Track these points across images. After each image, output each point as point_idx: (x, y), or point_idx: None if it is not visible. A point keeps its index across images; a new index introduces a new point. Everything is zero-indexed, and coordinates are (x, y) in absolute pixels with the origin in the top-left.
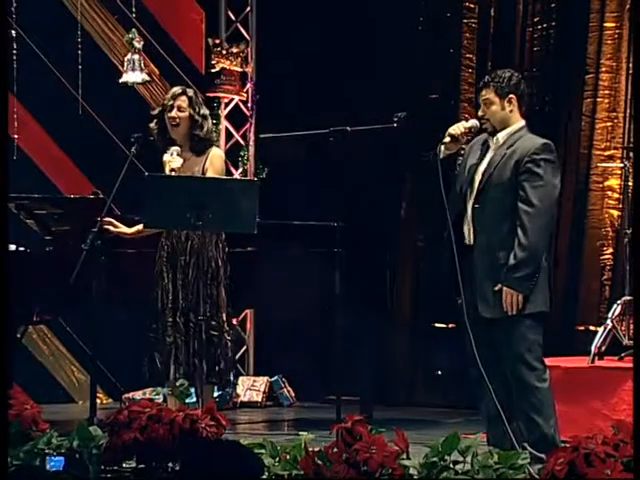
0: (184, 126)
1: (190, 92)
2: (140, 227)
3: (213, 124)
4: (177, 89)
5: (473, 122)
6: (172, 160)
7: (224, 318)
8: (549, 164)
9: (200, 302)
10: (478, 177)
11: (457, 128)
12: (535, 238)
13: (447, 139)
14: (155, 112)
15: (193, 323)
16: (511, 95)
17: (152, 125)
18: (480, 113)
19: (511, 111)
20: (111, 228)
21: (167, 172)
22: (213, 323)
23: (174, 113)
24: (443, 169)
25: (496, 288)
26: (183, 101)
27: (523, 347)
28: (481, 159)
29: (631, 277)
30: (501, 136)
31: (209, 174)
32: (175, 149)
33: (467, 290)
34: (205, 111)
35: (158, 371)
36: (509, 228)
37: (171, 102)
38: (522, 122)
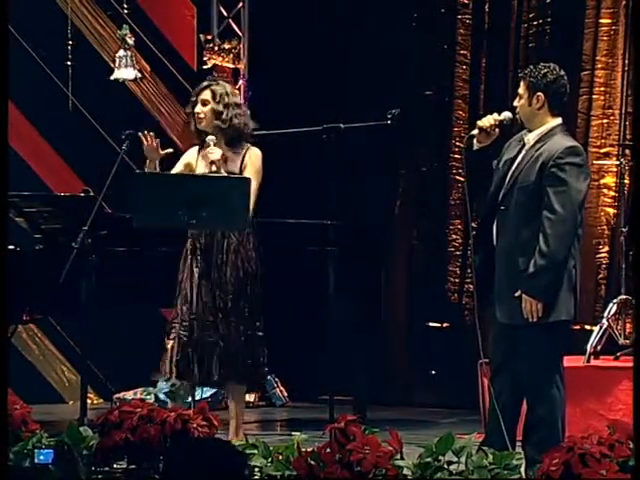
0: (209, 120)
1: (215, 85)
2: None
3: None
4: (203, 83)
5: (505, 114)
6: (211, 152)
7: (260, 318)
8: (574, 168)
9: (240, 302)
10: (507, 177)
11: (486, 120)
12: (556, 246)
13: (475, 131)
14: (188, 110)
15: (234, 323)
16: (539, 93)
17: (189, 121)
18: (515, 103)
19: (539, 109)
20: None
21: (201, 164)
22: (249, 324)
23: (197, 108)
24: (475, 163)
25: (516, 294)
26: (206, 95)
27: (541, 356)
28: (515, 158)
29: (627, 276)
30: (532, 136)
31: (247, 172)
32: (211, 138)
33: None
34: (233, 100)
35: (188, 369)
36: (530, 233)
37: (194, 97)
38: (554, 122)
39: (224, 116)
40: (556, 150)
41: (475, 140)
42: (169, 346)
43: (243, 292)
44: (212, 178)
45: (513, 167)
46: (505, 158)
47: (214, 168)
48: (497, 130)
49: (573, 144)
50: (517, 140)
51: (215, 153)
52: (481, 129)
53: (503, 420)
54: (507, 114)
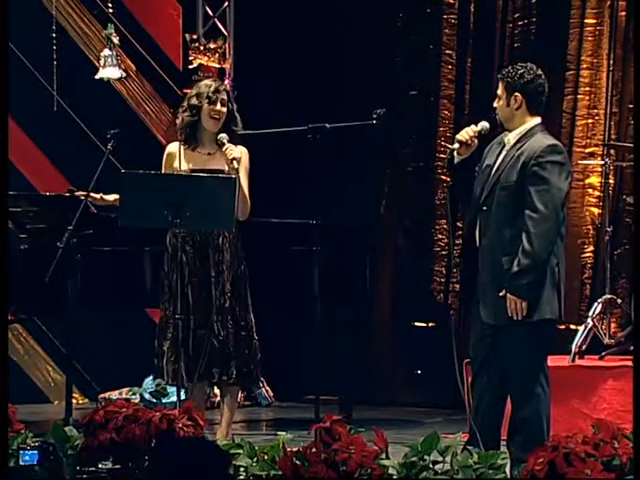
0: (222, 120)
1: (227, 87)
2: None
3: None
4: (219, 83)
5: (482, 124)
6: (232, 149)
7: (252, 318)
8: (556, 166)
9: (233, 302)
10: (489, 178)
11: (465, 133)
12: (539, 244)
13: (456, 145)
14: (200, 104)
15: (232, 323)
16: (516, 93)
17: (186, 115)
18: (494, 104)
19: (517, 109)
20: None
21: (186, 163)
22: (242, 324)
23: (219, 107)
24: (459, 172)
25: (500, 294)
26: (224, 95)
27: (525, 355)
28: (496, 160)
29: (612, 275)
30: (512, 136)
31: (239, 172)
32: (224, 136)
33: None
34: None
35: (175, 369)
36: (513, 233)
37: (215, 96)
38: (533, 122)
39: (238, 122)
40: (537, 149)
41: (455, 153)
42: (165, 347)
43: (236, 292)
44: (198, 178)
45: (494, 168)
46: (487, 162)
47: (236, 165)
48: (476, 141)
49: (554, 142)
50: (497, 143)
51: (236, 151)
52: (461, 142)
53: (486, 420)
54: (484, 124)
